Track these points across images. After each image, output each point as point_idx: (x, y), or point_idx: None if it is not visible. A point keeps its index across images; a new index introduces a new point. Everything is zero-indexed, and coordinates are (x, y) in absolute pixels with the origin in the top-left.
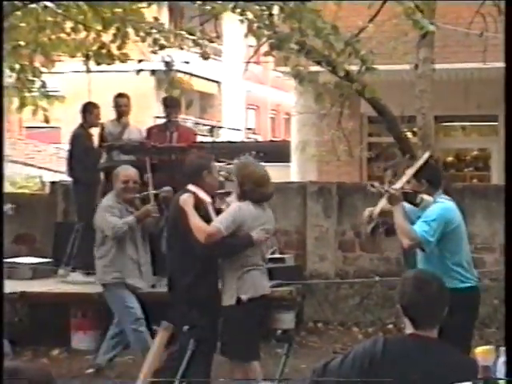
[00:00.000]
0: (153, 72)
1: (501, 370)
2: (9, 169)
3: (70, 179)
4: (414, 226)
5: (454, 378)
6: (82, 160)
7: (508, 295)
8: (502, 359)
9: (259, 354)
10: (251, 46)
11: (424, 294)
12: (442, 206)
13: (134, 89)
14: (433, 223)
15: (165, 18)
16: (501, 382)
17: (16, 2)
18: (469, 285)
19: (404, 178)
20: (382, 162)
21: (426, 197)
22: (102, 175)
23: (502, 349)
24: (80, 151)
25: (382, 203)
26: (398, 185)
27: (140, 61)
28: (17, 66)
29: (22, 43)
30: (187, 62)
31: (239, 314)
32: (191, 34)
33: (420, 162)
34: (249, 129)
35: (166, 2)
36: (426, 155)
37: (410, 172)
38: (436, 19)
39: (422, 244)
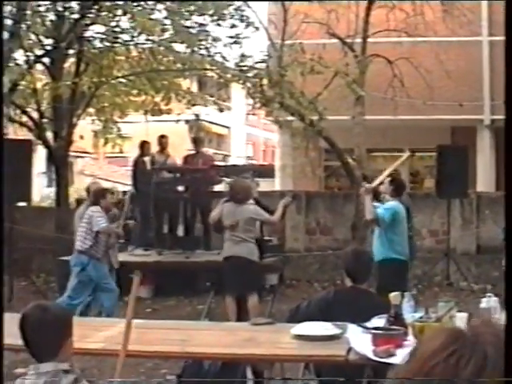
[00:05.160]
0: (187, 121)
1: (406, 309)
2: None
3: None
4: (377, 210)
5: (376, 312)
6: (139, 177)
7: (508, 295)
8: (406, 300)
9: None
10: (249, 104)
11: (358, 261)
12: (395, 203)
13: (174, 132)
14: (388, 210)
15: (194, 86)
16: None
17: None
18: (401, 258)
19: (381, 177)
20: (334, 177)
21: (387, 196)
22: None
23: (407, 293)
24: (139, 172)
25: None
26: (376, 183)
27: (179, 114)
28: (102, 119)
29: (106, 104)
30: (208, 115)
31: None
32: (211, 97)
33: (398, 162)
34: (248, 157)
35: (196, 77)
36: (405, 156)
37: (387, 170)
38: (365, 88)
39: (379, 220)
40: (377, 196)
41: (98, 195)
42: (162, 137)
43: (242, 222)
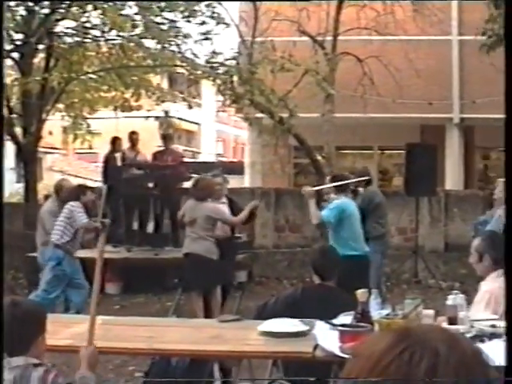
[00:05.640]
0: (156, 118)
1: (373, 306)
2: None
3: (103, 185)
4: (322, 212)
5: (344, 309)
6: (110, 173)
7: (508, 294)
8: (373, 297)
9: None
10: (219, 101)
11: (325, 258)
12: (339, 201)
13: (145, 128)
14: (332, 210)
15: (165, 83)
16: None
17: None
18: (357, 253)
19: (324, 186)
20: (303, 175)
21: (332, 195)
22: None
23: (374, 290)
24: (109, 168)
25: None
26: (315, 188)
27: (148, 110)
28: (72, 114)
29: (76, 100)
30: (177, 111)
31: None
32: (182, 93)
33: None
34: (218, 154)
35: (166, 73)
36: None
37: (328, 184)
38: (335, 86)
39: (325, 223)
40: (321, 196)
41: (78, 191)
42: (133, 133)
43: (201, 219)
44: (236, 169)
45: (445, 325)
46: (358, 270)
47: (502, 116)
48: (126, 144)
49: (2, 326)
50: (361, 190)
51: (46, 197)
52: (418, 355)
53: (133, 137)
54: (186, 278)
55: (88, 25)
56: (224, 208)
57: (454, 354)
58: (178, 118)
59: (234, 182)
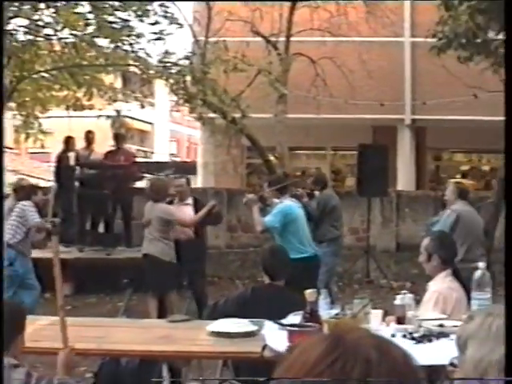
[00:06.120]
0: (108, 117)
1: (322, 306)
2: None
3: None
4: (264, 218)
5: (293, 309)
6: (63, 173)
7: (508, 293)
8: (322, 297)
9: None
10: (173, 100)
11: (275, 258)
12: (282, 204)
13: (98, 127)
14: (276, 215)
15: (119, 82)
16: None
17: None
18: (306, 255)
19: (264, 192)
20: (256, 175)
21: (274, 200)
22: (76, 183)
23: (323, 290)
24: (62, 167)
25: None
26: (256, 195)
27: (100, 109)
28: (24, 113)
29: (27, 99)
30: (129, 111)
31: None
32: (134, 93)
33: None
34: (171, 153)
35: (120, 72)
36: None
37: (266, 189)
38: (288, 86)
39: (270, 228)
40: (264, 201)
41: (30, 191)
42: (89, 132)
43: (155, 220)
44: (189, 169)
45: (393, 324)
46: (307, 271)
47: (453, 117)
48: (80, 143)
49: (1, 327)
50: (317, 193)
51: None
52: (350, 364)
53: (89, 136)
54: (143, 279)
55: (41, 23)
56: (185, 209)
57: (386, 361)
58: (131, 118)
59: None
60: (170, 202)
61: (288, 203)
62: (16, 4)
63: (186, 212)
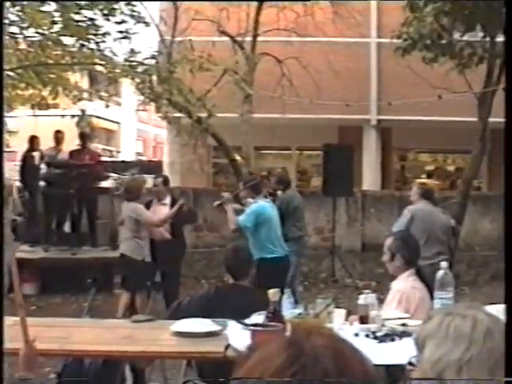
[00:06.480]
0: (72, 116)
1: (285, 305)
2: None
3: (21, 184)
4: (238, 217)
5: (256, 309)
6: (28, 172)
7: (508, 290)
8: (286, 296)
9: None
10: (139, 100)
11: (238, 258)
12: (256, 204)
13: (64, 126)
14: (249, 215)
15: (85, 81)
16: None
17: None
18: (276, 256)
19: (239, 191)
20: (223, 174)
21: (249, 200)
22: (42, 182)
23: (287, 290)
24: (27, 167)
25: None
26: (231, 194)
27: (64, 109)
28: None
29: None
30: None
31: None
32: (100, 92)
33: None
34: (138, 153)
35: (86, 71)
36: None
37: (241, 189)
38: (254, 86)
39: (242, 227)
40: (239, 200)
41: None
42: (58, 132)
43: (126, 220)
44: (155, 168)
45: (356, 324)
46: (277, 271)
47: (418, 118)
48: (46, 142)
49: (1, 327)
50: (279, 193)
51: None
52: (309, 377)
53: (58, 136)
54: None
55: (6, 21)
56: (162, 209)
57: (344, 372)
58: (97, 117)
59: (152, 181)
60: (150, 202)
61: (262, 203)
62: None
63: (163, 212)
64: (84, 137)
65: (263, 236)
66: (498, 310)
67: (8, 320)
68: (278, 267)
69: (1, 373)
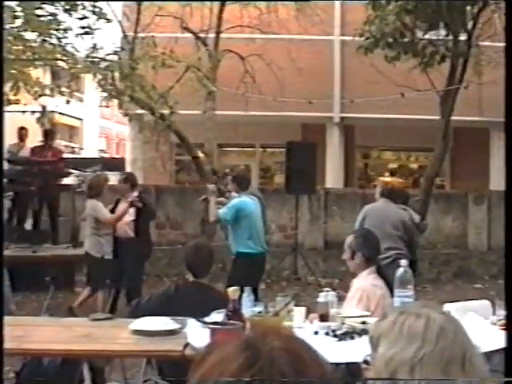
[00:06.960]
0: (32, 112)
1: (246, 304)
2: None
3: None
4: (219, 210)
5: (216, 306)
6: None
7: (508, 291)
8: (246, 294)
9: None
10: (101, 96)
11: (198, 255)
12: (238, 199)
13: (26, 123)
14: (230, 208)
15: (48, 77)
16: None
17: None
18: (253, 251)
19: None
20: (185, 172)
21: (232, 193)
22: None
23: (246, 288)
24: None
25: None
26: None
27: (25, 104)
28: None
29: None
30: (57, 106)
31: None
32: (61, 87)
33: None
34: (101, 150)
35: (48, 67)
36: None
37: (230, 183)
38: (217, 83)
39: (222, 220)
40: (223, 194)
41: None
42: (22, 128)
43: (87, 217)
44: (117, 165)
45: (316, 322)
46: (253, 267)
47: (381, 116)
48: (9, 139)
49: (1, 327)
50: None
51: None
52: (266, 380)
53: (21, 132)
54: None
55: None
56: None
57: (301, 375)
58: (60, 113)
59: (115, 178)
60: (118, 200)
61: (244, 199)
62: None
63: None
64: (48, 134)
65: (243, 231)
66: (457, 309)
67: None
68: (254, 263)
69: (1, 373)
